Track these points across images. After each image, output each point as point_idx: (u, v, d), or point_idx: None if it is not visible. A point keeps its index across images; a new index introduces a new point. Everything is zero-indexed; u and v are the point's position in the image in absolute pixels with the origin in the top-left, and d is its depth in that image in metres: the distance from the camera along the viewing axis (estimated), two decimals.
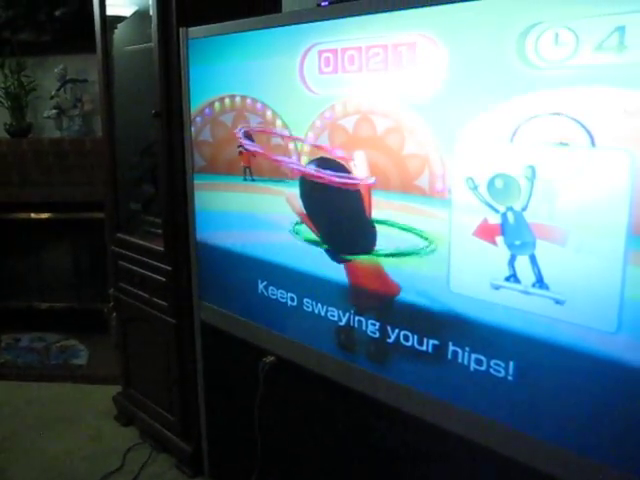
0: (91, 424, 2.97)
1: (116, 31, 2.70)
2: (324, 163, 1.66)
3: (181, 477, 2.54)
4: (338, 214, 1.68)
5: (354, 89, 1.54)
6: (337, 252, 1.69)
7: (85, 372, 3.48)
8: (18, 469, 2.61)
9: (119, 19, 2.67)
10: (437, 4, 1.34)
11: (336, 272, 1.69)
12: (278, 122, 1.76)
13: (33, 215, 3.90)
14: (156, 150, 2.46)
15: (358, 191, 1.58)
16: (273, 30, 1.73)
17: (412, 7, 1.39)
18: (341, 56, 1.55)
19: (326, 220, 1.72)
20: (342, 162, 1.61)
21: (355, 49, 1.51)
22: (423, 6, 1.37)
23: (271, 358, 1.99)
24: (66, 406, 3.16)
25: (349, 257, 1.66)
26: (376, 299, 1.60)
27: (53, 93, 3.60)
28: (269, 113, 1.78)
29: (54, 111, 3.60)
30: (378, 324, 1.60)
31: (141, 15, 2.49)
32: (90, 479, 2.52)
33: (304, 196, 1.74)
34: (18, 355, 3.70)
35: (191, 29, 2.02)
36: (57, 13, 3.50)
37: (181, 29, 2.05)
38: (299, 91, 1.67)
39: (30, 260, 4.09)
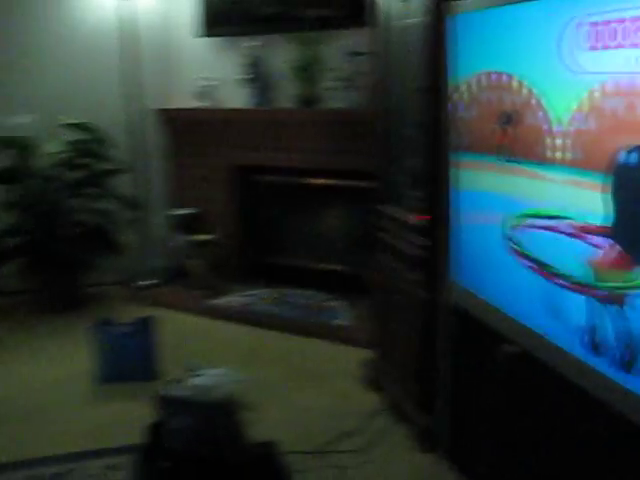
0: (339, 384, 3.10)
1: (395, 5, 2.73)
2: None
3: (415, 450, 2.55)
4: None
5: (627, 67, 1.35)
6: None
7: (343, 333, 3.64)
8: (267, 416, 2.71)
9: None
10: None
11: None
12: (536, 102, 1.64)
13: (311, 180, 4.17)
14: (423, 125, 2.46)
15: None
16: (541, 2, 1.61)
17: None
18: (612, 29, 1.38)
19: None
20: None
21: (629, 20, 1.33)
22: None
23: (514, 349, 1.90)
24: (320, 362, 3.35)
25: None
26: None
27: (335, 65, 3.77)
28: (526, 91, 1.67)
29: (335, 82, 3.77)
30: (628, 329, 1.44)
31: None
32: (326, 435, 2.62)
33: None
34: (285, 309, 4.00)
35: (458, 3, 1.97)
36: None
37: (449, 3, 2.02)
38: (562, 70, 1.53)
39: (305, 222, 4.39)
